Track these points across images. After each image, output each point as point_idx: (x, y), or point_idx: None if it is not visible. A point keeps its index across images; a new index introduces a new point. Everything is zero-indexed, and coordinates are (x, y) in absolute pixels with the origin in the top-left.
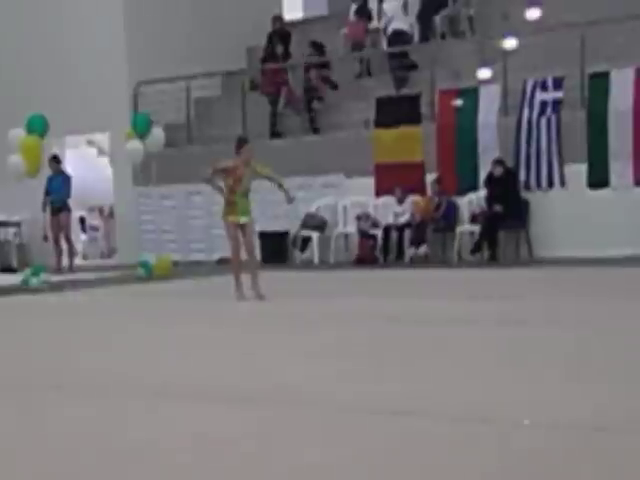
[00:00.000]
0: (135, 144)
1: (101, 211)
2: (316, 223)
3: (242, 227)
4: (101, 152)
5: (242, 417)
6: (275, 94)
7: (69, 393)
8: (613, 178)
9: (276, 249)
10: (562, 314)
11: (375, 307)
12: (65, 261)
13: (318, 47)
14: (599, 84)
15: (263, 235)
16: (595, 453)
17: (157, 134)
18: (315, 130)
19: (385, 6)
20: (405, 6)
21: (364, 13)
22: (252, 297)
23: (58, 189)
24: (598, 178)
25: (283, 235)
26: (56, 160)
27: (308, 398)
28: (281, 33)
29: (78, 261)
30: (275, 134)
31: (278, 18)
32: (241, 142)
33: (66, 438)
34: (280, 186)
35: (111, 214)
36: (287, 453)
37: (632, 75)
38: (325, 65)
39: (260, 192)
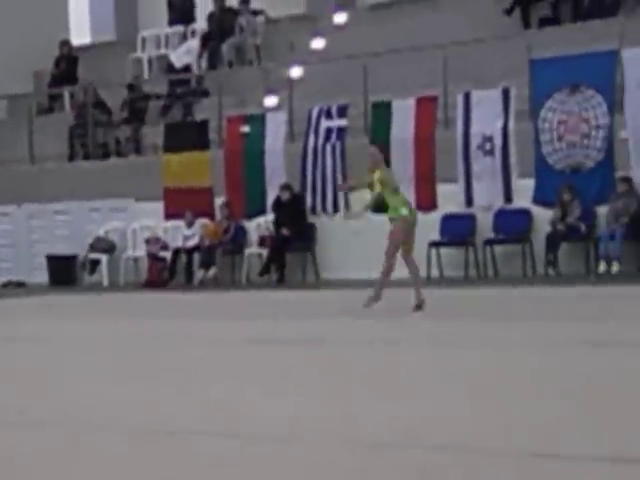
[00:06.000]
0: None
1: None
2: (105, 246)
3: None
4: None
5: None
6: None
7: None
8: None
9: (64, 272)
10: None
11: (164, 328)
12: None
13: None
14: (381, 113)
15: (51, 258)
16: None
17: None
18: (105, 155)
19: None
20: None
21: None
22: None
23: None
24: (381, 203)
25: (71, 258)
26: None
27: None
28: (69, 57)
29: None
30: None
31: (66, 43)
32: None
33: None
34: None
35: None
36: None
37: (413, 104)
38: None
39: (46, 214)
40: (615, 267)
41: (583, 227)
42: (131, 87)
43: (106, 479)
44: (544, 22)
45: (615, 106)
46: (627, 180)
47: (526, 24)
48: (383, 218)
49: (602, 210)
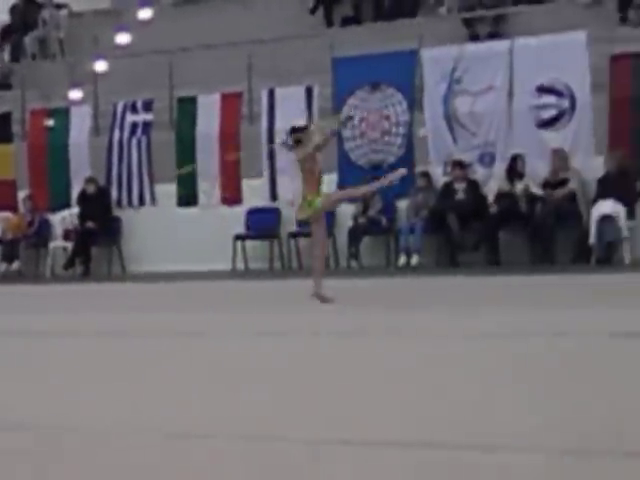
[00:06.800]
0: None
1: None
2: None
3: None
4: None
5: None
6: None
7: None
8: (201, 197)
9: None
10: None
11: None
12: None
13: None
14: (187, 108)
15: None
16: None
17: None
18: None
19: None
20: None
21: None
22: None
23: None
24: (187, 197)
25: None
26: None
27: None
28: None
29: None
30: None
31: None
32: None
33: None
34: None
35: None
36: None
37: (218, 100)
38: None
39: None
40: (414, 259)
41: (384, 221)
42: None
43: None
44: (346, 21)
45: (415, 104)
46: (426, 175)
47: (329, 23)
48: (188, 212)
49: (402, 204)
